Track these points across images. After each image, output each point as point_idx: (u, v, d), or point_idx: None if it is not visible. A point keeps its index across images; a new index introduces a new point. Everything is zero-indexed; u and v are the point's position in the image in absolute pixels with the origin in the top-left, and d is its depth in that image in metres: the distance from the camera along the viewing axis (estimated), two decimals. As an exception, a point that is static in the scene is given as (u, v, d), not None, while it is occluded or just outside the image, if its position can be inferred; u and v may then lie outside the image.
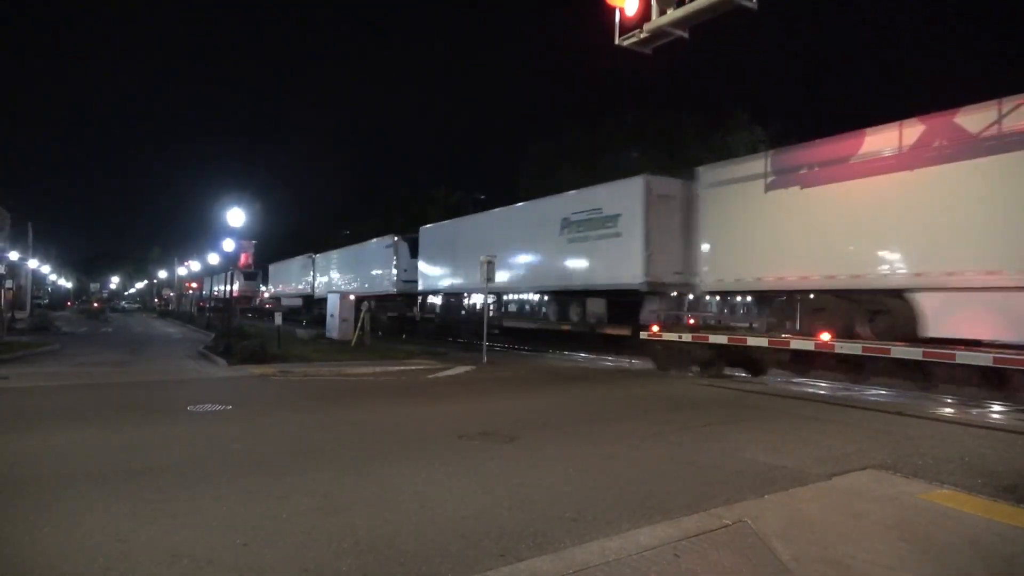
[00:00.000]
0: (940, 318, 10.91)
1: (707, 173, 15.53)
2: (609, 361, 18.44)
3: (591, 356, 19.72)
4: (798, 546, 4.19)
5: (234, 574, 3.70)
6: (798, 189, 13.15)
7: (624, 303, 17.41)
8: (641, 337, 15.69)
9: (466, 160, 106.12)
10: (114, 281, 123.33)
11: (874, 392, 12.35)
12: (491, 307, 22.95)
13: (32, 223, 43.12)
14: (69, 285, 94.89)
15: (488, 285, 18.09)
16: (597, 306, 19.04)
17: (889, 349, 11.04)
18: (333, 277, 39.37)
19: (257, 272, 58.51)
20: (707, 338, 14.28)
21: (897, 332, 11.66)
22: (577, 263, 18.66)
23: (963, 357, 10.08)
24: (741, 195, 14.31)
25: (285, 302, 45.70)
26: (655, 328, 15.33)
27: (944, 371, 10.73)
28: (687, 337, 14.67)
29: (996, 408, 10.70)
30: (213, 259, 38.41)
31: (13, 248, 38.83)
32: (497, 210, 24.63)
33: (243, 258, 20.56)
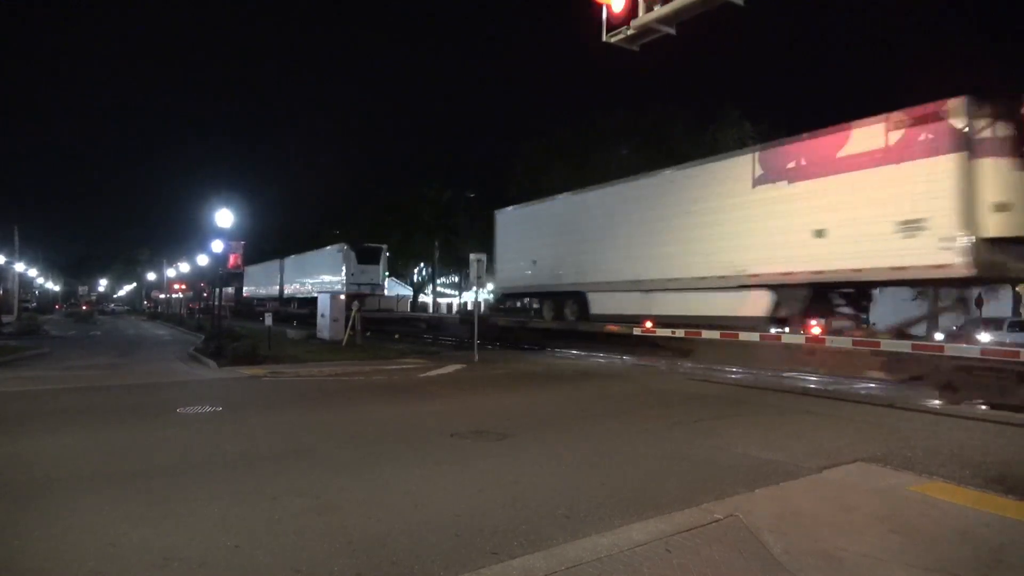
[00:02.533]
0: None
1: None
2: (601, 358, 18.48)
3: (582, 353, 19.74)
4: (789, 539, 4.22)
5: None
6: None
7: None
8: (634, 333, 16.08)
9: (456, 159, 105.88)
10: (103, 283, 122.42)
11: (864, 385, 12.44)
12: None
13: (18, 226, 42.79)
14: (57, 288, 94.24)
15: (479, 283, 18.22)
16: None
17: (879, 343, 11.15)
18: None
19: (378, 250, 35.52)
20: (700, 334, 14.47)
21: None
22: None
23: (953, 350, 10.18)
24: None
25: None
26: (648, 324, 15.59)
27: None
28: (680, 333, 14.88)
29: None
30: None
31: (-1, 251, 38.50)
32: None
33: (232, 259, 20.41)
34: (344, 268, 34.11)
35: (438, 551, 4.02)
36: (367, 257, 34.70)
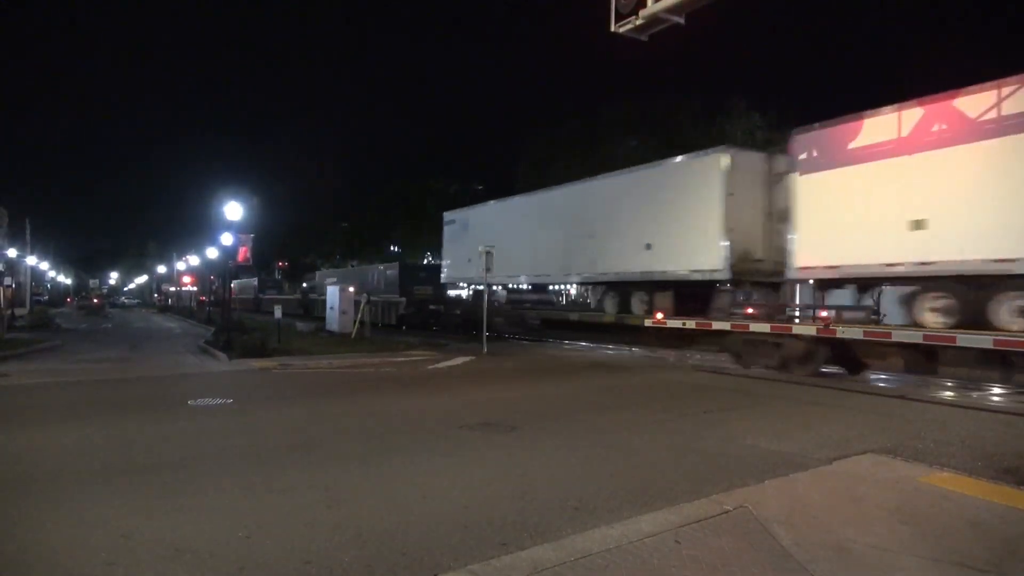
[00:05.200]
0: None
1: None
2: (610, 349, 18.47)
3: (590, 344, 19.74)
4: (799, 531, 4.21)
5: (236, 567, 3.70)
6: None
7: None
8: (645, 324, 16.07)
9: (464, 151, 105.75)
10: (113, 277, 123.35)
11: (875, 377, 12.37)
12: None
13: (30, 220, 43.11)
14: (68, 281, 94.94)
15: (488, 276, 18.14)
16: None
17: (890, 334, 11.08)
18: None
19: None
20: (710, 326, 14.44)
21: None
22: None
23: (964, 340, 10.09)
24: None
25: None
26: (659, 316, 15.57)
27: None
28: (691, 324, 14.85)
29: (996, 391, 10.72)
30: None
31: (11, 245, 38.82)
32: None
33: (242, 252, 20.50)
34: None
35: (447, 542, 4.03)
36: None
